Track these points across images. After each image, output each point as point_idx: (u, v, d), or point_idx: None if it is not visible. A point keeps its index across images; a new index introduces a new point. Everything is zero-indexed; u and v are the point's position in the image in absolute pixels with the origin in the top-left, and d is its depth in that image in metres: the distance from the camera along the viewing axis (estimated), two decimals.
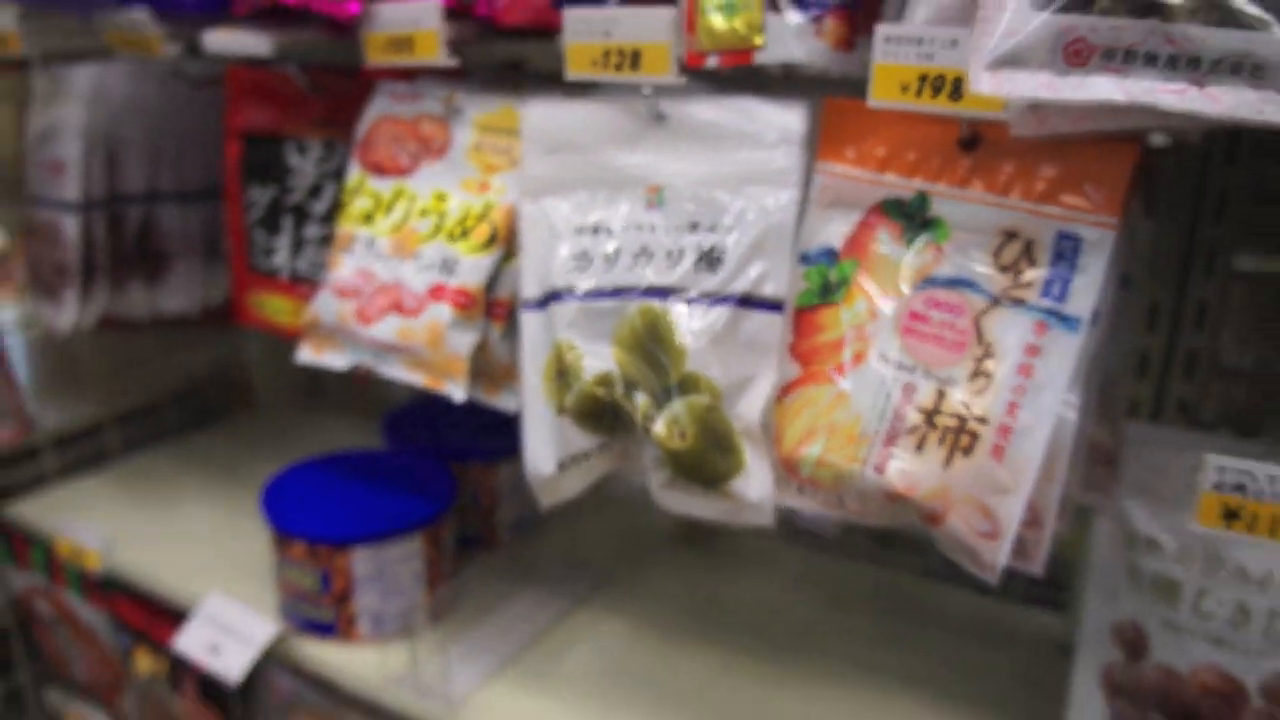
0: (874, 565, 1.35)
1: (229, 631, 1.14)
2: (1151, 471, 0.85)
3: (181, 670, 1.24)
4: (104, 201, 1.29)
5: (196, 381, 1.71)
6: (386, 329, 0.93)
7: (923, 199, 0.78)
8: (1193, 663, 0.84)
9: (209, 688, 1.23)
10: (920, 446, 0.75)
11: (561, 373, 0.84)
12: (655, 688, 1.08)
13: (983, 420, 0.73)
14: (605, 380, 0.82)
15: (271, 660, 1.18)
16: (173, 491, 1.47)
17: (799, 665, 1.13)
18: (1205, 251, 1.02)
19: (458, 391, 0.92)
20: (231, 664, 1.12)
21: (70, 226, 1.27)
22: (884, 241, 0.79)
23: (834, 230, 0.81)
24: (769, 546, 1.39)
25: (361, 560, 1.08)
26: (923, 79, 0.72)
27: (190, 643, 1.15)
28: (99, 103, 1.25)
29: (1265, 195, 1.00)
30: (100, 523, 1.35)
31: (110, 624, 1.33)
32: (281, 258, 1.11)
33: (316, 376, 1.78)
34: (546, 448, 0.85)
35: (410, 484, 1.17)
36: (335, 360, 0.99)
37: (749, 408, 0.80)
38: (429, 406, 1.44)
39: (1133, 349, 1.08)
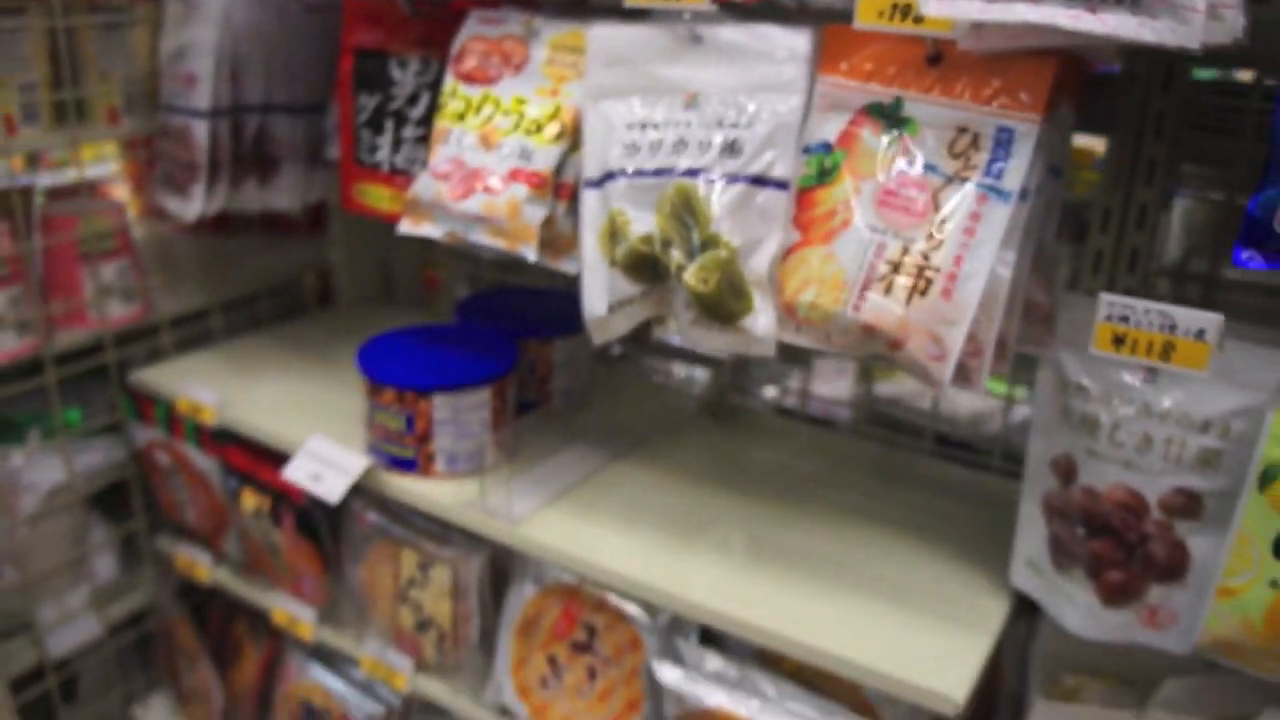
0: (876, 443, 1.62)
1: (328, 464, 1.43)
2: (1080, 329, 1.11)
3: (281, 506, 1.55)
4: (228, 110, 1.59)
5: (287, 280, 2.03)
6: (474, 204, 1.22)
7: (898, 103, 1.05)
8: (1108, 483, 1.10)
9: (304, 521, 1.54)
10: (888, 290, 1.02)
11: (613, 234, 1.12)
12: (679, 519, 1.37)
13: (936, 269, 1.00)
14: (648, 239, 1.10)
15: (358, 496, 1.48)
16: (270, 366, 1.77)
17: (800, 507, 1.41)
18: (1147, 165, 1.28)
19: (530, 253, 1.20)
20: (331, 489, 1.41)
21: (200, 130, 1.57)
22: (867, 136, 1.07)
23: (830, 128, 1.08)
24: (785, 423, 1.67)
25: (440, 406, 1.37)
26: (894, 6, 0.99)
27: (296, 472, 1.45)
28: (227, 25, 1.55)
29: (1194, 123, 1.26)
30: (211, 387, 1.65)
31: (220, 469, 1.63)
32: (383, 154, 1.40)
33: (390, 279, 2.08)
34: (600, 293, 1.14)
35: (480, 350, 1.46)
36: (431, 230, 1.27)
37: (759, 263, 1.08)
38: (494, 295, 1.74)
39: (1091, 249, 1.34)
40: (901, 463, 1.56)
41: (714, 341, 1.11)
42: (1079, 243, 1.38)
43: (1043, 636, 1.27)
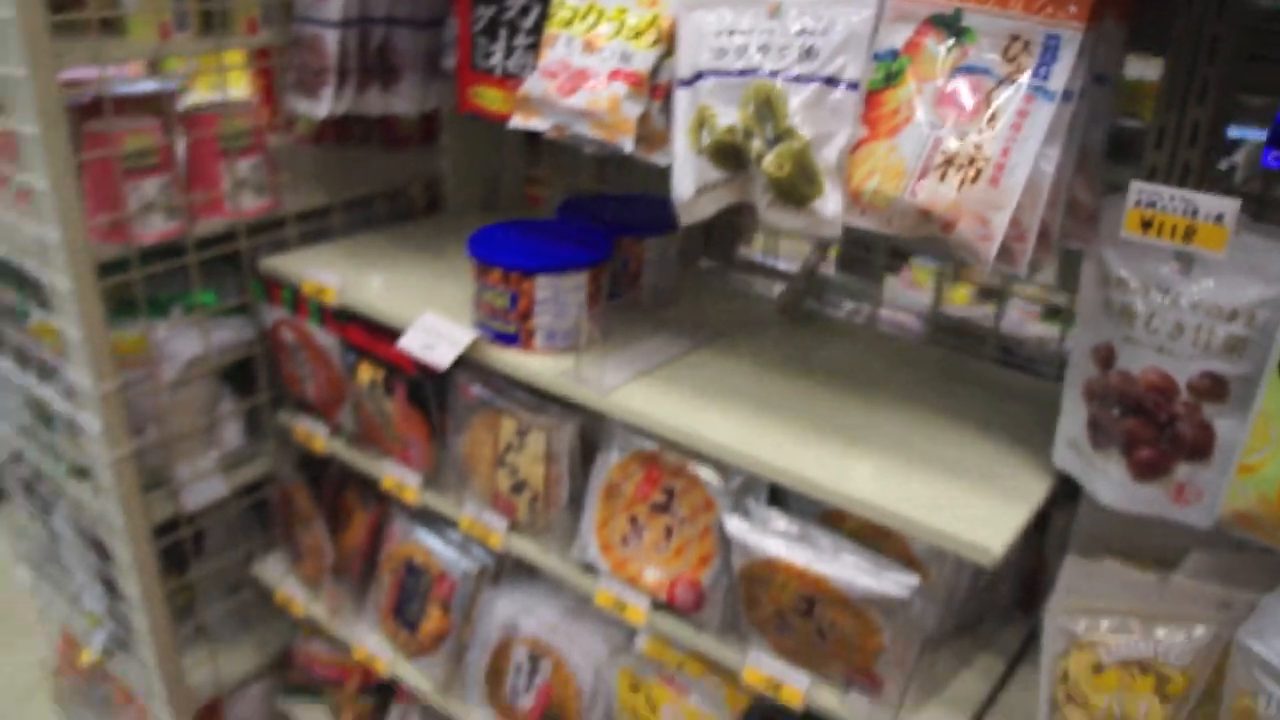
0: (944, 349, 1.78)
1: (439, 335, 1.64)
2: (1120, 227, 1.25)
3: (394, 378, 1.76)
4: (357, 21, 1.80)
5: (400, 185, 2.24)
6: (579, 99, 1.40)
7: (958, 13, 1.20)
8: (1142, 367, 1.25)
9: (415, 391, 1.75)
10: (943, 178, 1.18)
11: (701, 126, 1.30)
12: (753, 398, 1.54)
13: (985, 160, 1.16)
14: (731, 130, 1.28)
15: (463, 370, 1.69)
16: (385, 259, 1.98)
17: (866, 395, 1.58)
18: (1200, 85, 1.40)
19: (627, 144, 1.38)
20: (442, 356, 1.61)
21: (331, 39, 1.78)
22: (930, 44, 1.22)
23: (897, 36, 1.24)
24: (858, 329, 1.83)
25: (542, 286, 1.57)
26: None
27: (411, 342, 1.65)
28: None
29: (1252, 53, 1.38)
30: (332, 274, 1.87)
31: (340, 345, 1.86)
32: (497, 59, 1.59)
33: (495, 189, 2.28)
34: (688, 179, 1.32)
35: (579, 240, 1.65)
36: (539, 124, 1.46)
37: (830, 153, 1.24)
38: (593, 198, 1.93)
39: (1146, 164, 1.48)
40: (965, 366, 1.72)
41: (788, 221, 1.28)
42: (1138, 162, 1.51)
43: (1081, 521, 1.42)
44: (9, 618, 4.04)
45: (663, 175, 1.40)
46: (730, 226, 2.13)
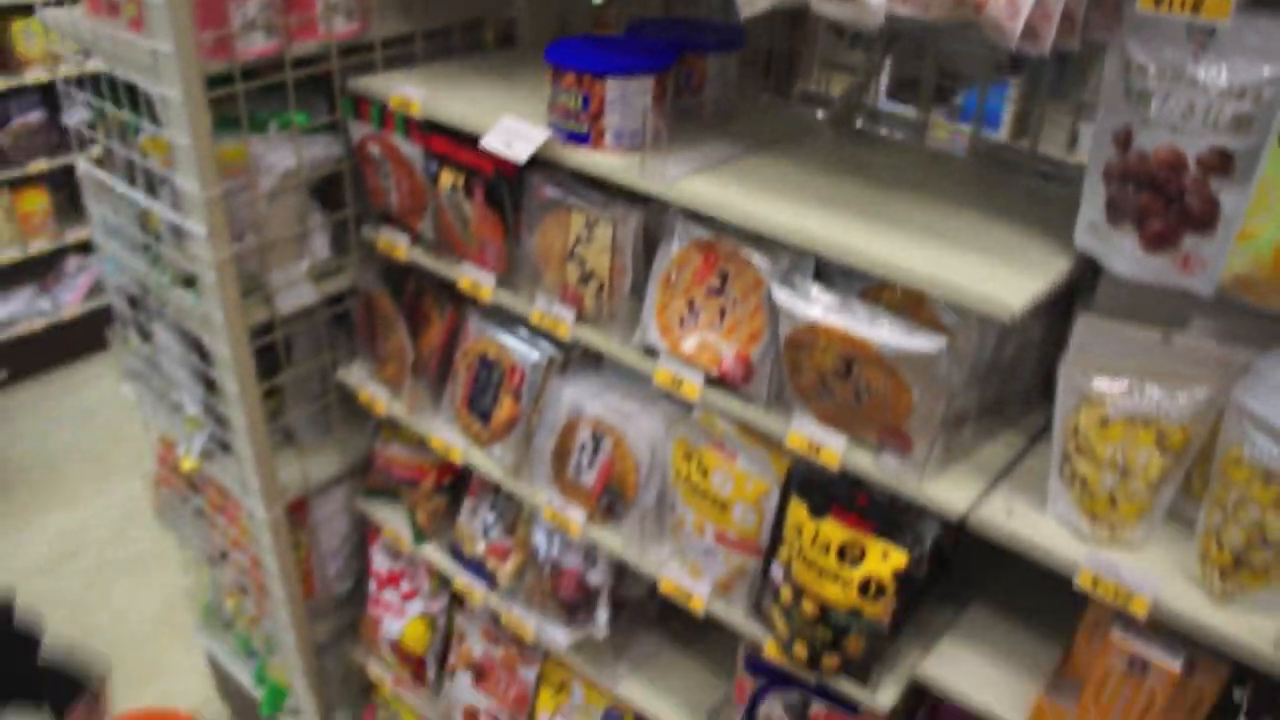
0: (991, 170, 1.93)
1: (518, 135, 1.82)
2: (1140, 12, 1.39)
3: (473, 181, 1.94)
4: None
5: (478, 18, 2.40)
6: None
7: None
8: (1156, 146, 1.40)
9: (492, 192, 1.93)
10: None
11: None
12: (803, 192, 1.71)
13: None
14: None
15: (537, 172, 1.87)
16: (463, 82, 2.15)
17: (910, 193, 1.74)
18: None
19: None
20: (520, 151, 1.80)
21: None
22: None
23: None
24: (905, 144, 1.99)
25: (612, 87, 1.74)
26: None
27: (491, 140, 1.84)
28: None
29: None
30: (417, 89, 2.04)
31: (423, 154, 2.05)
32: None
33: (566, 22, 2.44)
34: None
35: (646, 51, 1.82)
36: None
37: None
38: (660, 21, 2.09)
39: None
40: (1005, 178, 1.87)
41: (836, 11, 1.44)
42: None
43: (1099, 298, 1.58)
44: (112, 456, 4.57)
45: (724, 6, 1.54)
46: (788, 60, 2.29)
